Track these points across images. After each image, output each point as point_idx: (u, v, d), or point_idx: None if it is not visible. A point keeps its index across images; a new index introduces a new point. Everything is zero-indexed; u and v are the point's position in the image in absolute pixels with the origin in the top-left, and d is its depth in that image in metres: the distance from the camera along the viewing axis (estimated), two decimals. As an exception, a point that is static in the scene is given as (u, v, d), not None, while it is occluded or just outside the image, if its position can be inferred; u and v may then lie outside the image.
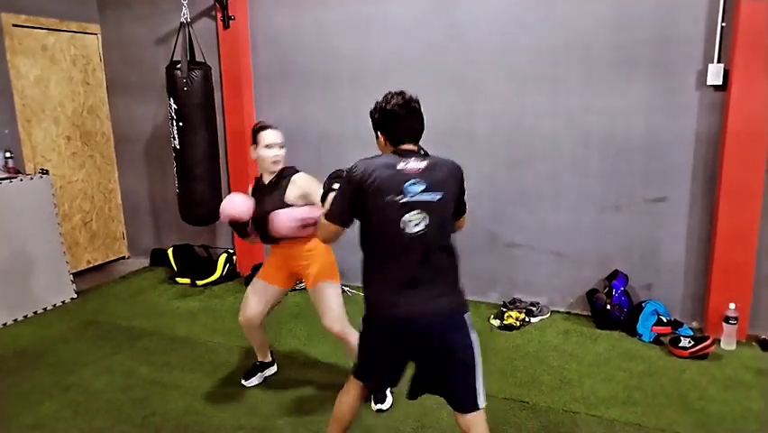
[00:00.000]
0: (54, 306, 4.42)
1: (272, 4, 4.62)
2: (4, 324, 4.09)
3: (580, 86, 3.84)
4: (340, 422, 2.30)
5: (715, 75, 3.48)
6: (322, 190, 2.28)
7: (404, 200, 1.97)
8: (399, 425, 2.79)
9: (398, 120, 2.08)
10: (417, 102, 2.12)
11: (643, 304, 3.76)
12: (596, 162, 3.90)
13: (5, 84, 4.55)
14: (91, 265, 5.36)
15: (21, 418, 2.94)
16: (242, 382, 3.21)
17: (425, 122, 2.13)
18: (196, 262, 5.14)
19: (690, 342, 3.43)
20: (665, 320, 3.68)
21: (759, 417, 2.83)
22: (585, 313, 4.06)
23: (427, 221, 1.98)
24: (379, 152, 2.16)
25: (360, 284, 2.16)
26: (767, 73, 3.31)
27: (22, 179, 4.27)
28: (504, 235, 4.22)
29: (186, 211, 4.72)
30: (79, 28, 5.12)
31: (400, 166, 2.01)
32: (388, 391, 2.95)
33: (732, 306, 3.49)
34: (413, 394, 2.19)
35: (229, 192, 4.97)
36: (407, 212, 1.97)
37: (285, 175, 2.86)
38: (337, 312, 2.90)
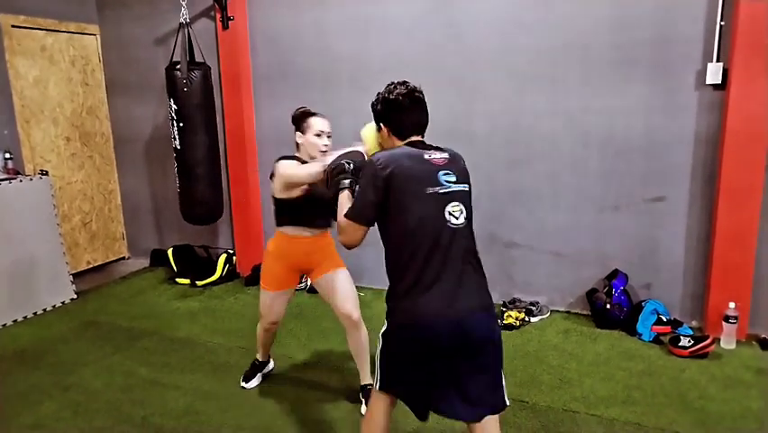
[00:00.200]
0: (54, 306, 4.42)
1: (271, 4, 4.63)
2: (4, 324, 4.09)
3: (579, 86, 3.84)
4: None
5: (714, 74, 3.48)
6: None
7: (444, 191, 1.88)
8: (399, 425, 2.79)
9: (402, 110, 2.01)
10: (421, 92, 2.04)
11: (642, 303, 3.76)
12: (595, 162, 3.90)
13: (4, 85, 4.55)
14: (91, 266, 5.36)
15: (21, 418, 2.94)
16: (242, 384, 3.18)
17: (428, 114, 2.06)
18: (195, 263, 5.14)
19: (689, 341, 3.43)
20: (665, 319, 3.68)
21: (759, 416, 2.83)
22: (585, 312, 4.06)
23: (465, 213, 1.92)
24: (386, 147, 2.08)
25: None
26: (766, 72, 3.31)
27: (21, 180, 4.27)
28: (503, 235, 4.22)
29: (187, 211, 4.73)
30: (78, 29, 5.12)
31: (426, 156, 1.92)
32: None
33: (732, 305, 3.49)
34: (425, 413, 2.01)
35: (229, 192, 4.98)
36: (449, 202, 1.88)
37: None
38: (355, 298, 2.85)
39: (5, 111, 4.57)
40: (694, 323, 3.81)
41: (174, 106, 4.47)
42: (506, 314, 3.94)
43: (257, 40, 4.73)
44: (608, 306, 3.80)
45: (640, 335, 3.66)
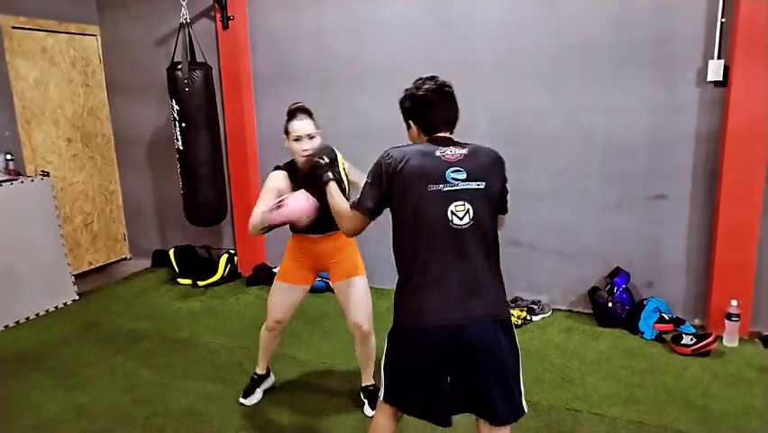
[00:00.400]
0: (56, 307, 4.43)
1: (271, 4, 4.62)
2: (6, 326, 4.09)
3: (580, 84, 3.83)
4: None
5: (715, 71, 3.47)
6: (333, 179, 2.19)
7: (448, 189, 1.80)
8: (400, 425, 2.78)
9: (431, 106, 1.93)
10: (450, 87, 1.97)
11: (644, 302, 3.76)
12: (596, 161, 3.89)
13: (5, 86, 4.55)
14: (92, 267, 5.36)
15: (23, 419, 2.95)
16: (241, 400, 3.02)
17: (458, 109, 1.99)
18: (197, 263, 5.14)
19: (692, 339, 3.42)
20: (667, 318, 3.67)
21: (762, 413, 2.82)
22: (587, 311, 4.05)
23: (472, 213, 1.81)
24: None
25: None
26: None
27: (22, 182, 4.27)
28: (505, 234, 4.17)
29: (191, 212, 4.73)
30: (78, 30, 5.12)
31: (439, 153, 1.85)
32: None
33: (734, 303, 3.48)
34: (447, 420, 1.93)
35: (230, 192, 4.97)
36: (453, 202, 1.80)
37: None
38: (368, 309, 2.77)
39: (6, 112, 4.57)
40: (696, 321, 3.80)
41: (176, 107, 4.47)
42: (507, 313, 3.93)
43: (257, 40, 4.73)
44: (610, 304, 3.79)
45: (642, 333, 3.66)
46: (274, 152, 4.74)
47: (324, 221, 2.59)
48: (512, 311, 3.93)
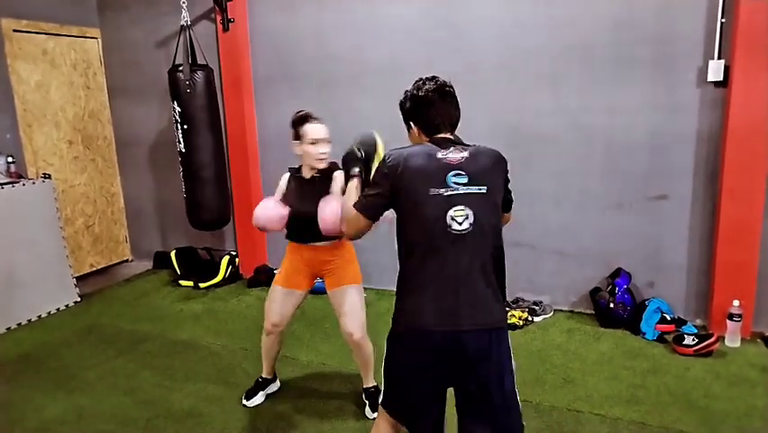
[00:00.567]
0: (57, 309, 4.43)
1: (271, 6, 4.63)
2: (8, 328, 4.10)
3: (580, 85, 3.83)
4: None
5: (715, 71, 3.46)
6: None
7: (449, 193, 1.77)
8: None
9: (432, 106, 1.90)
10: (451, 86, 1.94)
11: (646, 302, 3.75)
12: (598, 161, 3.89)
13: (6, 89, 4.56)
14: (94, 269, 5.37)
15: (25, 421, 2.95)
16: (244, 401, 3.03)
17: (460, 109, 1.96)
18: (198, 265, 5.14)
19: (693, 339, 3.42)
20: (669, 318, 3.67)
21: (764, 414, 2.81)
22: (588, 312, 4.05)
23: (472, 218, 1.77)
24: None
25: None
26: (768, 69, 3.31)
27: (24, 184, 4.28)
28: (506, 235, 4.17)
29: (194, 215, 4.72)
30: (79, 32, 5.13)
31: (440, 155, 1.81)
32: None
33: (736, 303, 3.48)
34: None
35: (232, 194, 4.98)
36: (453, 207, 1.76)
37: (329, 171, 2.70)
38: (360, 318, 2.76)
39: (8, 115, 4.58)
40: (698, 321, 3.80)
41: (178, 109, 4.47)
42: (509, 313, 3.93)
43: (257, 42, 4.74)
44: (612, 305, 3.79)
45: (644, 333, 3.65)
46: (275, 153, 4.76)
47: (302, 233, 2.68)
48: (513, 312, 3.93)
